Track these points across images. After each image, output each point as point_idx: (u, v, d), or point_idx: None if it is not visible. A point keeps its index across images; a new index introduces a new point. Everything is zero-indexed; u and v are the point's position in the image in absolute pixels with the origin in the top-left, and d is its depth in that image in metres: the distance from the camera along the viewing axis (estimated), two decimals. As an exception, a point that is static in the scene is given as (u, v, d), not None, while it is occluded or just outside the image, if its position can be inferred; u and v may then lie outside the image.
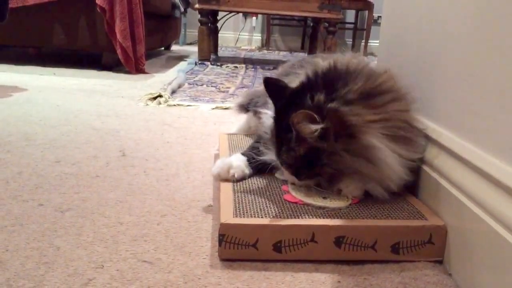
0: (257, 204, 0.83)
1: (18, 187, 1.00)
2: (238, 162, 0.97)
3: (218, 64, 3.43)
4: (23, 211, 0.89)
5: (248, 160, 0.98)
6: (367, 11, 5.31)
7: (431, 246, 0.78)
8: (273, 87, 0.92)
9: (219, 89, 2.44)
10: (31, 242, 0.78)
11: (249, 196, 0.87)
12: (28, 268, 0.70)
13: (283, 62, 1.33)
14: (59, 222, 0.86)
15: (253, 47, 5.53)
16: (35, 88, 2.15)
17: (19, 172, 1.09)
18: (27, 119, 1.59)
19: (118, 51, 2.70)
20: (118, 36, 2.65)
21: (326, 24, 3.43)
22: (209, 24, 3.49)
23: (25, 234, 0.81)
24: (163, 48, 4.44)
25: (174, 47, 4.82)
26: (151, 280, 0.69)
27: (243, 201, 0.85)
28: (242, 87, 2.50)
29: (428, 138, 0.92)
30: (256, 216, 0.78)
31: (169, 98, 2.06)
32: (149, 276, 0.70)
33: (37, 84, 2.24)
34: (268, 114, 1.00)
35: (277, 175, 0.97)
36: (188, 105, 1.99)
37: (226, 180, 0.95)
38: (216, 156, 1.22)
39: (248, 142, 1.17)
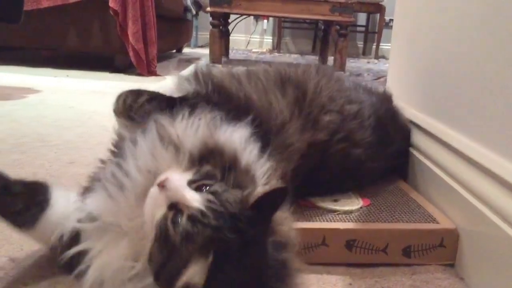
0: (269, 206, 0.84)
1: (32, 188, 1.02)
2: None
3: (229, 66, 3.45)
4: (38, 211, 0.91)
5: None
6: (378, 14, 5.30)
7: (442, 250, 0.78)
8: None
9: (230, 91, 2.45)
10: (46, 241, 0.79)
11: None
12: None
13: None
14: (73, 222, 0.87)
15: (264, 50, 5.54)
16: (49, 89, 2.18)
17: (33, 173, 1.11)
18: (41, 120, 1.61)
19: (131, 53, 2.72)
20: (131, 38, 2.67)
21: (338, 27, 3.43)
22: (221, 27, 3.51)
23: (40, 233, 0.82)
24: (174, 51, 4.47)
25: (186, 50, 4.84)
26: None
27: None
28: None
29: (439, 141, 0.92)
30: (268, 218, 0.79)
31: (180, 100, 2.07)
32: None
33: (50, 86, 2.27)
34: None
35: None
36: (199, 107, 1.99)
37: None
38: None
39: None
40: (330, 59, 3.72)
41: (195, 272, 0.53)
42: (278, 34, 5.58)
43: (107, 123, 1.29)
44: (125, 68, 2.88)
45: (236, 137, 0.68)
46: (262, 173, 0.65)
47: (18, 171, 1.11)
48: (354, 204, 0.86)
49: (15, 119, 1.60)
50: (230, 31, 4.11)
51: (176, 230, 0.54)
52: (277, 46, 5.62)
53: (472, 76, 0.82)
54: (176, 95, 0.82)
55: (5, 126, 1.50)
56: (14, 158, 1.20)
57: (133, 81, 2.62)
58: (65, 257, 0.63)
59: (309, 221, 0.79)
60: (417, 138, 1.04)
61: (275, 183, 0.65)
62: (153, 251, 0.56)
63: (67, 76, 2.63)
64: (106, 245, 0.61)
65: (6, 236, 0.80)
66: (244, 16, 3.93)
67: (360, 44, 5.74)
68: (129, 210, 0.60)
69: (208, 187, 0.57)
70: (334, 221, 0.79)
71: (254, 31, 5.83)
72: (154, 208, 0.56)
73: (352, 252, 0.77)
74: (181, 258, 0.53)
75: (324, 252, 0.76)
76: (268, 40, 5.88)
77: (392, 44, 1.35)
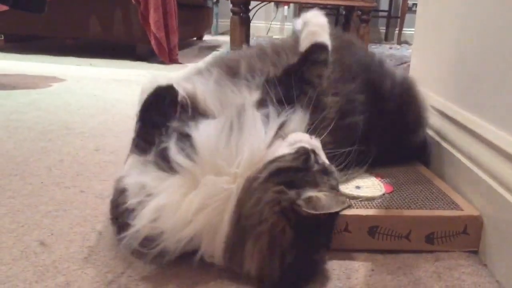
0: (291, 192, 0.84)
1: (60, 174, 1.05)
2: None
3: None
4: (66, 197, 0.93)
5: None
6: (401, -2, 5.21)
7: (466, 237, 0.78)
8: None
9: (251, 79, 2.44)
10: (74, 226, 0.82)
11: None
12: (72, 251, 0.74)
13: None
14: (99, 208, 0.89)
15: (285, 37, 5.51)
16: (73, 78, 2.21)
17: (60, 160, 1.13)
18: (66, 108, 1.65)
19: (152, 41, 2.74)
20: (152, 27, 2.69)
21: (359, 12, 3.38)
22: (241, 14, 3.49)
23: (68, 219, 0.84)
24: (195, 38, 4.48)
25: (206, 37, 4.85)
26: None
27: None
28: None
29: (463, 128, 0.91)
30: (290, 204, 0.79)
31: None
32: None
33: (74, 75, 2.31)
34: None
35: None
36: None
37: None
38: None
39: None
40: (352, 45, 3.67)
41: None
42: (299, 21, 5.53)
43: (130, 111, 1.32)
44: (147, 56, 2.91)
45: None
46: None
47: (45, 159, 1.14)
48: (376, 190, 0.86)
49: (41, 107, 1.63)
50: (250, 18, 4.09)
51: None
52: (297, 33, 5.58)
53: (499, 63, 0.80)
54: None
55: (32, 114, 1.54)
56: (41, 145, 1.23)
57: (155, 69, 2.65)
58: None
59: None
60: (440, 124, 1.03)
61: None
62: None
63: (90, 64, 2.67)
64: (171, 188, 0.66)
65: (36, 221, 0.83)
66: (265, 3, 3.91)
67: (382, 29, 5.66)
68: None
69: None
70: (357, 208, 0.80)
71: (275, 17, 5.79)
72: None
73: (375, 239, 0.77)
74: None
75: (347, 238, 0.77)
76: (289, 26, 5.84)
77: (415, 29, 1.33)
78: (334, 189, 0.67)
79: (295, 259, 0.63)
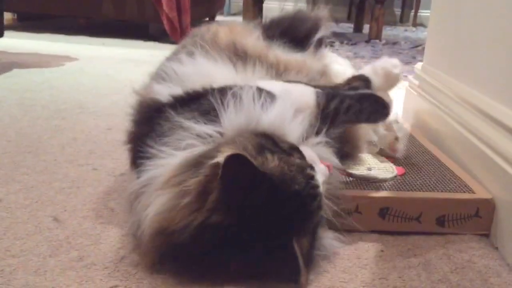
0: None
1: (73, 152, 1.06)
2: None
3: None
4: (79, 174, 0.94)
5: None
6: (417, -21, 5.11)
7: (477, 220, 0.77)
8: None
9: (264, 60, 2.43)
10: (87, 203, 0.83)
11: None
12: (85, 227, 0.75)
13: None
14: (112, 185, 0.90)
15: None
16: (85, 57, 2.22)
17: (73, 138, 1.14)
18: (79, 87, 1.65)
19: (164, 21, 2.73)
20: (165, 6, 2.68)
21: (374, -7, 3.33)
22: (254, -6, 3.46)
23: (82, 196, 0.85)
24: (207, 19, 4.45)
25: (219, 18, 4.81)
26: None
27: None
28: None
29: (478, 110, 0.89)
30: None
31: (214, 68, 2.07)
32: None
33: (87, 54, 2.31)
34: None
35: None
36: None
37: None
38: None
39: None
40: (366, 27, 3.63)
41: None
42: (313, 1, 5.47)
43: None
44: (159, 36, 2.89)
45: None
46: None
47: (59, 136, 1.15)
48: (388, 173, 0.85)
49: (54, 86, 1.64)
50: (263, -1, 4.05)
51: None
52: (311, 14, 5.52)
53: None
54: None
55: (46, 93, 1.55)
56: (55, 123, 1.24)
57: (168, 49, 2.63)
58: None
59: (343, 189, 0.79)
60: (455, 107, 1.01)
61: None
62: None
63: (103, 44, 2.67)
64: None
65: (50, 197, 0.84)
66: (278, -17, 3.86)
67: (398, 10, 5.57)
68: None
69: None
70: (368, 189, 0.80)
71: (288, -2, 5.73)
72: None
73: (385, 220, 0.77)
74: None
75: (357, 219, 0.77)
76: (302, 6, 5.78)
77: (431, 11, 1.31)
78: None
79: (218, 225, 0.57)
